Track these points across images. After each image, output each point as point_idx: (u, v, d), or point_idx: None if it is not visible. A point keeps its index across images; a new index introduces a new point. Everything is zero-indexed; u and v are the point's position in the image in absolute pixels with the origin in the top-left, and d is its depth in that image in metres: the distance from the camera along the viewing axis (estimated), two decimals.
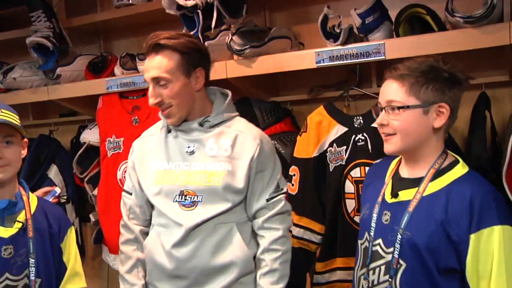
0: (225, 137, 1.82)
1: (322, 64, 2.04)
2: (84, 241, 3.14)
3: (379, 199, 1.61)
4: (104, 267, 3.12)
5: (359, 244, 1.66)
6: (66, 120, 3.14)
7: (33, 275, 1.70)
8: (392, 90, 1.52)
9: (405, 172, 1.60)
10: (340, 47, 2.01)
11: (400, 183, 1.59)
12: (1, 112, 1.69)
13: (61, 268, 1.81)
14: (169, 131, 1.87)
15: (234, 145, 1.80)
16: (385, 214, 1.57)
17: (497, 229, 1.41)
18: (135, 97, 2.68)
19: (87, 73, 2.76)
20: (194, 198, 1.79)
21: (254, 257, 1.84)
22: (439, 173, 1.52)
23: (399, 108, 1.50)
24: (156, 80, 1.76)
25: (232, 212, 1.81)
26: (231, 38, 2.19)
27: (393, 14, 2.04)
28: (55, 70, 2.71)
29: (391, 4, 2.08)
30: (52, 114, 3.20)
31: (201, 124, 1.83)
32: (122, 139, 2.68)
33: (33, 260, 1.71)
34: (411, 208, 1.51)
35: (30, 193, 1.81)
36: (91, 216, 2.94)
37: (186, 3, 2.14)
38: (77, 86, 2.72)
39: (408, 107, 1.49)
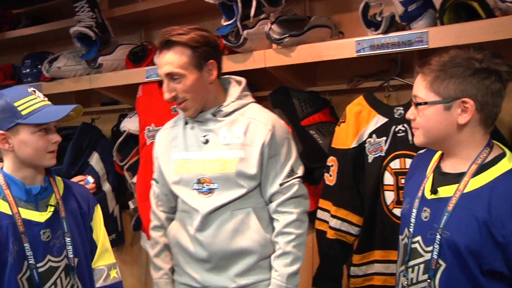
0: (238, 125, 1.87)
1: (362, 53, 2.01)
2: (124, 227, 3.21)
3: (419, 194, 1.54)
4: (142, 253, 3.18)
5: (400, 240, 1.62)
6: (107, 108, 3.20)
7: (71, 253, 1.75)
8: (417, 85, 1.49)
9: (447, 166, 1.51)
10: (381, 35, 1.97)
11: (441, 178, 1.51)
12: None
13: (92, 245, 1.87)
14: (186, 122, 1.94)
15: (246, 132, 1.85)
16: (425, 210, 1.50)
17: None
18: None
19: (127, 62, 2.81)
20: (210, 185, 1.87)
21: None
22: (482, 168, 1.42)
23: (418, 104, 1.46)
24: (170, 76, 1.82)
25: (248, 197, 1.86)
26: (270, 27, 2.19)
27: (437, 2, 1.95)
28: (97, 59, 2.77)
29: None
30: (94, 103, 3.26)
31: (214, 114, 1.88)
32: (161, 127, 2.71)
33: (69, 239, 1.75)
34: (450, 206, 1.43)
35: (55, 175, 1.84)
36: (130, 203, 2.99)
37: None
38: (118, 75, 2.78)
39: (426, 103, 1.44)
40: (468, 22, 1.83)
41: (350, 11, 2.42)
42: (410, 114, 1.51)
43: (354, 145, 2.08)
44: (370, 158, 2.04)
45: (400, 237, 1.62)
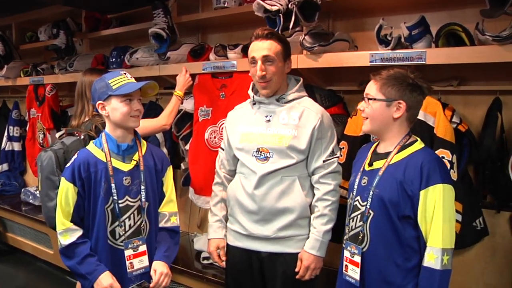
0: (295, 111, 1.88)
1: (374, 63, 2.06)
2: (175, 183, 3.23)
3: (361, 169, 1.72)
4: (188, 203, 3.21)
5: (348, 202, 1.78)
6: (168, 91, 3.16)
7: (143, 198, 1.84)
8: (369, 86, 1.65)
9: (380, 149, 1.71)
10: (390, 51, 2.03)
11: (375, 156, 1.70)
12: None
13: (162, 196, 1.94)
14: (254, 103, 1.96)
15: (301, 117, 1.87)
16: (364, 178, 1.68)
17: (438, 186, 1.53)
18: (223, 78, 2.72)
19: (188, 57, 2.85)
20: (267, 154, 1.87)
21: (310, 205, 1.90)
22: (402, 148, 1.63)
23: (370, 99, 1.63)
24: (265, 58, 1.84)
25: (295, 167, 1.86)
26: (304, 38, 2.23)
27: (433, 30, 2.04)
28: (166, 53, 2.82)
29: (432, 22, 2.08)
30: (159, 87, 3.28)
31: (278, 100, 1.91)
32: (211, 109, 2.77)
33: (143, 187, 1.84)
34: (380, 172, 1.63)
35: (141, 139, 1.93)
36: (182, 164, 3.05)
37: (272, 8, 2.21)
38: (181, 66, 2.78)
39: (375, 99, 1.61)
40: (456, 47, 1.91)
41: (364, 31, 2.47)
42: (360, 106, 1.67)
43: (361, 133, 2.10)
44: None
45: (347, 200, 1.78)
